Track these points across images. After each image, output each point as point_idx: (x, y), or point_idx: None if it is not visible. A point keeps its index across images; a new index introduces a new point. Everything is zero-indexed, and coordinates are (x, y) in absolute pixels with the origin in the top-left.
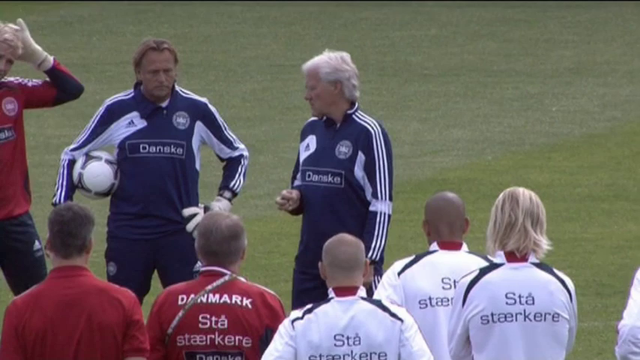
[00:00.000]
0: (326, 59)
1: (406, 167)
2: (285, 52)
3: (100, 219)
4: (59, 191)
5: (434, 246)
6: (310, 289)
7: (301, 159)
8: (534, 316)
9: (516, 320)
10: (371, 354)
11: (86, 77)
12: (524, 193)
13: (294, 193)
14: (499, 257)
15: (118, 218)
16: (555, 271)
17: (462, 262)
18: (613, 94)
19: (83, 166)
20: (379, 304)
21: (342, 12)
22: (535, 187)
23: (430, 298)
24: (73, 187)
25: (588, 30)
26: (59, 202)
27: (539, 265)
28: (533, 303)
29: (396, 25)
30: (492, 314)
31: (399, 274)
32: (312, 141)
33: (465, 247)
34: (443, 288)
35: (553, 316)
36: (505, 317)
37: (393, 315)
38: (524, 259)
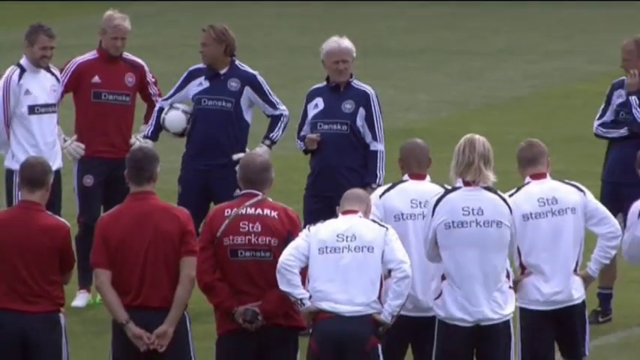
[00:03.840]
0: (350, 44)
1: (384, 121)
2: (297, 38)
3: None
4: (149, 129)
5: (406, 177)
6: (319, 209)
7: (310, 114)
8: (484, 223)
9: (470, 226)
10: (363, 247)
11: (155, 57)
12: (479, 139)
13: (318, 136)
14: (458, 183)
15: (187, 152)
16: (498, 192)
17: (426, 188)
18: (533, 68)
19: (166, 113)
20: (372, 220)
21: (341, 10)
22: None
23: (402, 214)
24: (159, 127)
25: (515, 21)
26: (148, 134)
27: (487, 188)
28: (482, 214)
29: (377, 18)
30: (452, 222)
31: (380, 196)
32: (319, 101)
33: (428, 178)
34: (411, 207)
35: (497, 223)
36: (462, 224)
37: (382, 225)
38: (476, 184)
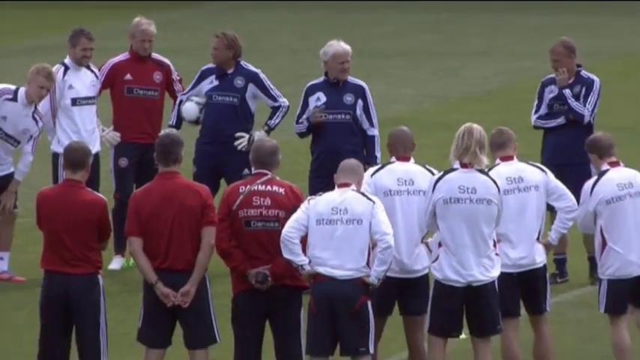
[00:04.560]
0: (348, 46)
1: (376, 111)
2: (300, 42)
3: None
4: (173, 119)
5: (393, 159)
6: (324, 188)
7: (313, 106)
8: (476, 201)
9: (465, 203)
10: (353, 219)
11: (181, 57)
12: (476, 128)
13: (324, 112)
14: (456, 165)
15: (201, 140)
16: (490, 174)
17: (411, 169)
18: (502, 66)
19: (183, 104)
20: (362, 193)
21: (340, 17)
22: (454, 124)
23: (390, 191)
24: (180, 117)
25: (488, 27)
26: (172, 124)
27: (480, 171)
28: (475, 192)
29: (370, 24)
30: (450, 198)
31: (372, 175)
32: (321, 95)
33: (412, 160)
34: (398, 184)
35: (488, 201)
36: (457, 200)
37: (369, 199)
38: (471, 167)
